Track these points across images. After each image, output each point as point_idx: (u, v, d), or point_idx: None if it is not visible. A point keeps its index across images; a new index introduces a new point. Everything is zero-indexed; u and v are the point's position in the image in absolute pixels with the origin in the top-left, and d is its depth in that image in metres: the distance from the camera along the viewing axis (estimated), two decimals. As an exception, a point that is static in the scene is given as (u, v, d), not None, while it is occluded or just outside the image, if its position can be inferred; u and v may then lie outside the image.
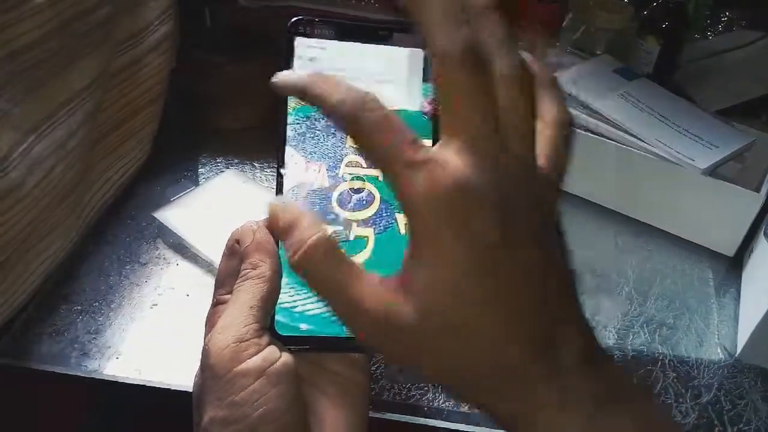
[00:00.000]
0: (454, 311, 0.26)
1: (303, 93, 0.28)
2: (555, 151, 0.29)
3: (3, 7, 0.43)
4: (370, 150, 0.26)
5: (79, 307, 0.53)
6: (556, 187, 0.29)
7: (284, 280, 0.35)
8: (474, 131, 0.25)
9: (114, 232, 0.60)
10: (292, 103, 0.36)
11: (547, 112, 0.30)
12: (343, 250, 0.28)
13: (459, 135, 0.25)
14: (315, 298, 0.35)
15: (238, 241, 0.35)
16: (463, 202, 0.25)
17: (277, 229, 0.30)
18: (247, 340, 0.31)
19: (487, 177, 0.25)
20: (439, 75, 0.26)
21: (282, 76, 0.28)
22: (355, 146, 0.27)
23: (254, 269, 0.33)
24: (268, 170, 0.69)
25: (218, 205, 0.60)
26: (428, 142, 0.26)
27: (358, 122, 0.26)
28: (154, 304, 0.54)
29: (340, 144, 0.36)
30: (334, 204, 0.35)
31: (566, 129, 0.29)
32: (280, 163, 0.35)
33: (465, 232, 0.25)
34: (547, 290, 0.27)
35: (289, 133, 0.36)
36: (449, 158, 0.25)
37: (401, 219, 0.36)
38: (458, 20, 0.26)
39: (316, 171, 0.36)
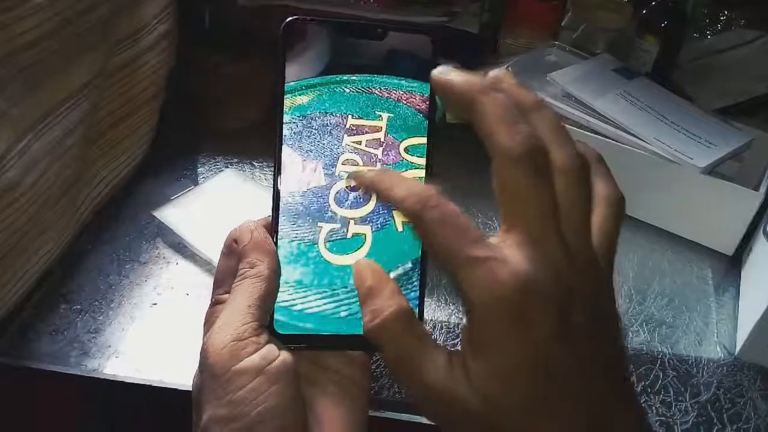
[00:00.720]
0: (510, 402, 0.27)
1: (369, 189, 0.31)
2: (608, 235, 0.29)
3: (2, 6, 0.43)
4: (431, 246, 0.27)
5: (78, 306, 0.53)
6: (609, 274, 0.29)
7: (282, 279, 0.35)
8: (534, 226, 0.26)
9: (113, 231, 0.60)
10: (288, 102, 0.36)
11: (599, 190, 0.30)
12: (420, 326, 0.29)
13: (519, 229, 0.26)
14: (314, 297, 0.35)
15: (236, 241, 0.35)
16: (521, 299, 0.26)
17: (360, 288, 0.31)
18: (245, 339, 0.32)
19: (547, 274, 0.26)
20: (499, 171, 0.27)
21: (356, 174, 0.32)
22: (420, 241, 0.28)
23: (252, 268, 0.34)
24: (267, 169, 0.69)
25: (218, 204, 0.60)
26: (492, 238, 0.27)
27: (419, 219, 0.27)
28: (153, 303, 0.54)
29: (336, 142, 0.36)
30: (332, 202, 0.36)
31: (618, 207, 0.29)
32: (277, 170, 0.36)
33: (522, 328, 0.26)
34: (602, 383, 0.28)
35: (286, 132, 0.36)
36: (509, 254, 0.26)
37: (398, 216, 0.36)
38: (515, 119, 0.27)
39: (312, 169, 0.36)
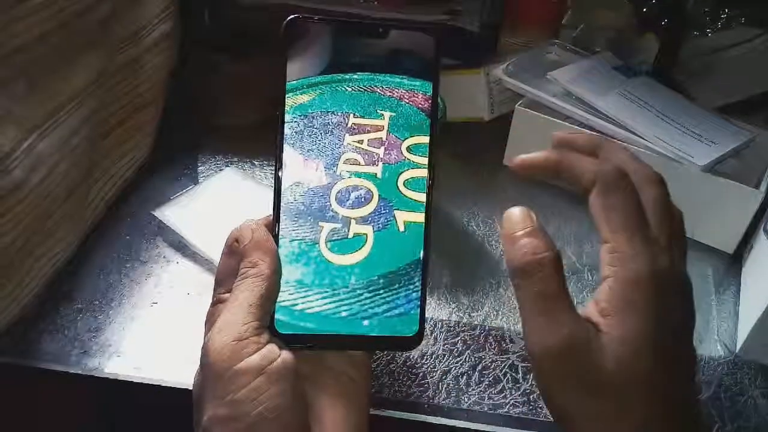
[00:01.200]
0: (638, 369, 0.30)
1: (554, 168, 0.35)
2: None
3: (3, 5, 0.43)
4: (612, 219, 0.32)
5: (79, 306, 0.53)
6: None
7: (284, 279, 0.35)
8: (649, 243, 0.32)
9: (114, 230, 0.60)
10: (290, 101, 0.36)
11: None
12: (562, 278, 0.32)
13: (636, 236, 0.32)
14: (315, 296, 0.35)
15: (237, 240, 0.35)
16: (668, 279, 0.32)
17: (515, 229, 0.33)
18: (246, 339, 0.32)
19: (674, 270, 0.32)
20: (606, 194, 0.33)
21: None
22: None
23: (253, 268, 0.34)
24: (268, 168, 0.69)
25: (218, 203, 0.60)
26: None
27: (613, 194, 0.33)
28: (154, 303, 0.54)
29: (337, 141, 0.36)
30: (333, 201, 0.35)
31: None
32: (278, 169, 0.35)
33: (664, 305, 0.31)
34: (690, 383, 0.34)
35: (287, 131, 0.36)
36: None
37: (399, 216, 0.36)
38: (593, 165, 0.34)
39: (314, 168, 0.36)
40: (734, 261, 0.63)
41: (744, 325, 0.54)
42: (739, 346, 0.54)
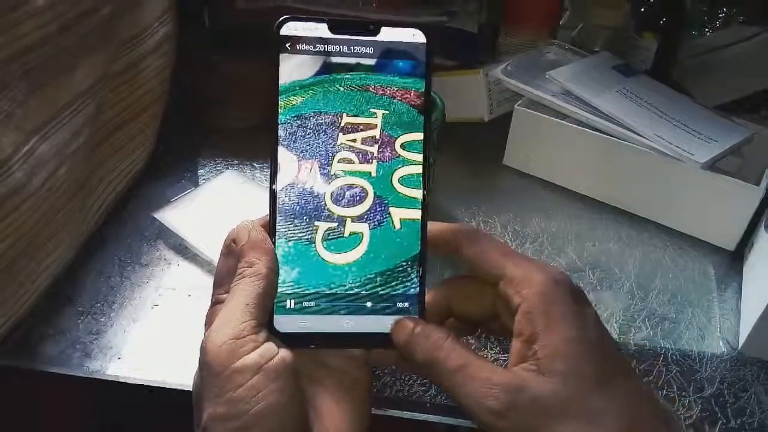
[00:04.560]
0: (580, 374, 0.30)
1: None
2: None
3: (4, 8, 0.43)
4: (494, 253, 0.35)
5: (80, 308, 0.53)
6: None
7: (281, 278, 0.35)
8: None
9: (114, 233, 0.60)
10: (283, 102, 0.36)
11: None
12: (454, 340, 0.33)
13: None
14: (312, 295, 0.35)
15: (234, 241, 0.35)
16: (574, 285, 0.33)
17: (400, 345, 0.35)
18: (243, 337, 0.32)
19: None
20: (477, 238, 0.37)
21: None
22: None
23: (250, 267, 0.34)
24: (267, 170, 0.68)
25: (218, 206, 0.60)
26: None
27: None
28: (155, 305, 0.54)
29: (331, 141, 0.36)
30: (328, 201, 0.36)
31: None
32: (273, 170, 0.36)
33: (581, 307, 0.32)
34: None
35: (281, 132, 0.36)
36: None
37: (395, 213, 0.36)
38: None
39: (308, 169, 0.36)
40: (735, 258, 0.63)
41: (746, 322, 0.54)
42: (741, 342, 0.53)
